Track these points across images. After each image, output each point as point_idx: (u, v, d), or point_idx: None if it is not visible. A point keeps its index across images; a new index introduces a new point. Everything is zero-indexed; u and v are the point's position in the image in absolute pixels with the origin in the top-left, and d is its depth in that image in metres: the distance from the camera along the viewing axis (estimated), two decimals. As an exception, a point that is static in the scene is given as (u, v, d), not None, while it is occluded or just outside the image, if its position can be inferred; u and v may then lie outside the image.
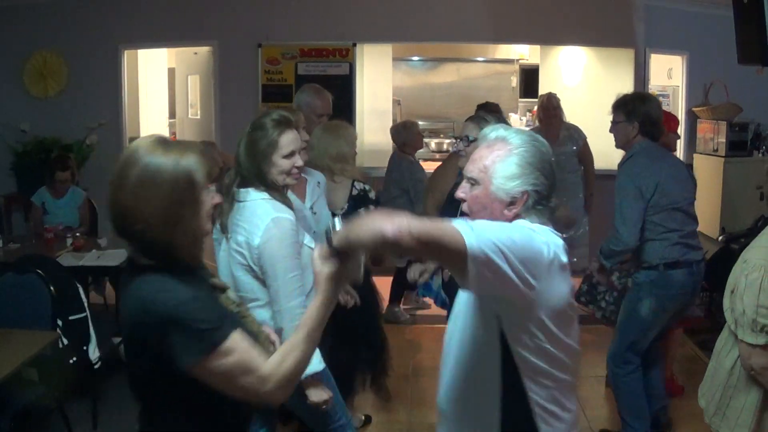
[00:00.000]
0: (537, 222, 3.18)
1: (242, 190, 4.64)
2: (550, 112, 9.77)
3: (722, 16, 10.30)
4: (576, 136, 9.74)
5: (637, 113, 6.41)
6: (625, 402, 6.76)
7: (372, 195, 6.58)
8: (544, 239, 3.02)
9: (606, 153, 10.47)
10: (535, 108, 13.30)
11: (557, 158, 8.89)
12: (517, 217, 3.20)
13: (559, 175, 8.27)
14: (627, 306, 6.67)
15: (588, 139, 10.30)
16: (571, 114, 11.32)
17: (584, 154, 9.75)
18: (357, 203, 6.40)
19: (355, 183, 6.50)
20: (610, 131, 6.67)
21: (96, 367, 7.06)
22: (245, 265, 4.54)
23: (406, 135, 9.89)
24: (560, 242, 3.08)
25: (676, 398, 7.73)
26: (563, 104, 11.23)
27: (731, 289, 4.24)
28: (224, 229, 4.68)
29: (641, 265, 6.46)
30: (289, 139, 4.65)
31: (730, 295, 4.28)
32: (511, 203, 3.20)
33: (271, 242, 4.42)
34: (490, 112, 7.43)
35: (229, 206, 4.66)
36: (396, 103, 13.64)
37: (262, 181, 4.60)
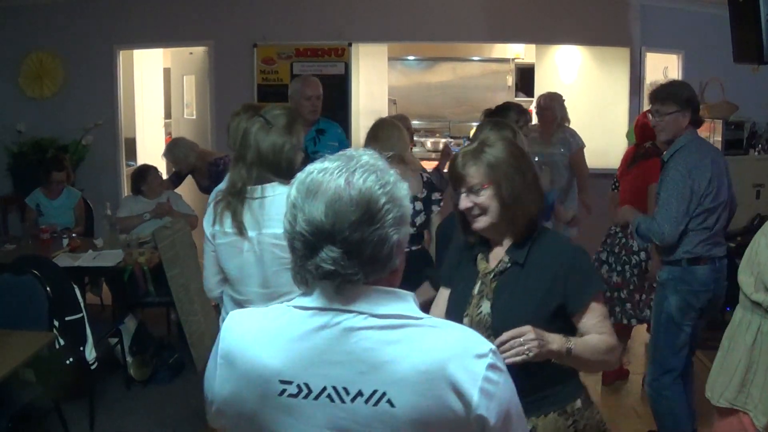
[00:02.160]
0: (305, 292, 2.33)
1: (265, 186, 4.60)
2: (539, 111, 9.76)
3: (718, 15, 10.31)
4: (571, 141, 9.67)
5: (690, 100, 6.14)
6: (668, 416, 6.54)
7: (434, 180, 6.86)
8: None
9: (603, 152, 10.50)
10: (531, 107, 13.33)
11: (551, 158, 8.92)
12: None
13: (554, 176, 8.27)
14: (655, 308, 6.51)
15: (585, 138, 10.29)
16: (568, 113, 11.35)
17: (576, 162, 9.64)
18: (431, 189, 6.68)
19: (422, 172, 6.79)
20: (653, 125, 6.36)
21: (93, 367, 7.06)
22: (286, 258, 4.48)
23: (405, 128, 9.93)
24: None
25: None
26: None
27: (753, 261, 4.26)
28: (242, 230, 4.60)
29: (665, 260, 6.32)
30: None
31: (748, 267, 4.31)
32: None
33: None
34: (520, 113, 7.40)
35: (241, 205, 4.63)
36: (391, 102, 13.66)
37: (291, 175, 4.61)
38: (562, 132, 9.57)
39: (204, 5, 11.75)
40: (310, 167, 2.29)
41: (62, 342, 6.63)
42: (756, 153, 12.31)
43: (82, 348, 6.97)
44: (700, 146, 6.16)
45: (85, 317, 7.08)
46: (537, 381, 3.51)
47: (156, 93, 14.57)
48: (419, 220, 6.51)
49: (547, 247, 3.63)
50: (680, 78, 13.02)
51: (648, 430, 7.16)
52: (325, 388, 2.18)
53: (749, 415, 4.31)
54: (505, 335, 3.19)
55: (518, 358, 3.16)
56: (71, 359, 6.78)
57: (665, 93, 6.20)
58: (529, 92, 13.83)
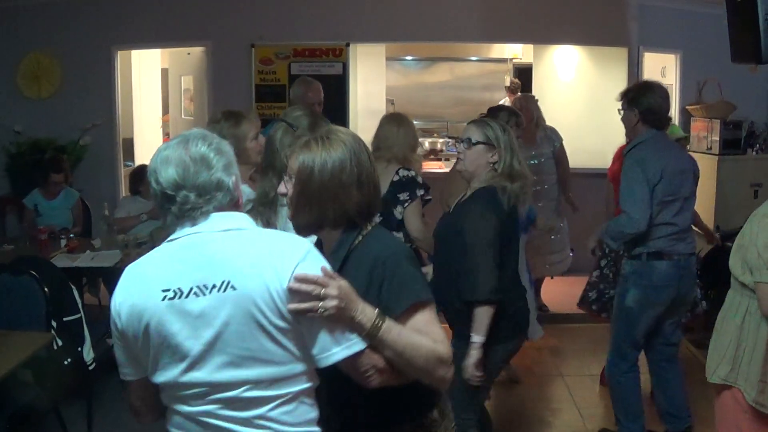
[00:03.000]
0: (174, 229, 3.18)
1: None
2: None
3: (715, 15, 10.28)
4: (553, 137, 9.70)
5: (638, 102, 6.48)
6: (620, 402, 6.81)
7: (420, 179, 6.66)
8: None
9: (599, 151, 10.52)
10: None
11: (541, 158, 8.95)
12: None
13: (539, 177, 8.34)
14: (616, 300, 6.77)
15: (582, 138, 10.29)
16: (565, 112, 11.37)
17: (561, 158, 9.69)
18: (398, 188, 6.55)
19: (400, 170, 6.62)
20: (621, 119, 6.75)
21: (91, 368, 7.05)
22: None
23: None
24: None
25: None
26: (557, 103, 11.25)
27: (745, 245, 4.52)
28: None
29: (628, 255, 6.56)
30: None
31: (738, 251, 4.60)
32: None
33: None
34: (512, 114, 7.51)
35: (275, 215, 4.71)
36: (389, 102, 13.64)
37: None
38: (543, 131, 9.60)
39: (201, 5, 11.74)
40: (160, 147, 3.13)
41: (60, 343, 6.62)
42: (754, 152, 12.33)
43: (80, 349, 6.96)
44: (656, 143, 6.44)
45: (83, 318, 7.07)
46: (389, 413, 3.43)
47: (154, 93, 14.56)
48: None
49: (368, 248, 3.39)
50: (678, 78, 13.07)
51: (602, 428, 7.32)
52: (191, 288, 2.92)
53: (740, 389, 4.60)
54: (306, 276, 2.90)
55: (303, 306, 2.89)
56: (69, 360, 6.77)
57: (621, 93, 6.78)
58: (528, 92, 13.83)
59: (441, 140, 13.75)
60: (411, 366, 3.13)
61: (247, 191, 5.40)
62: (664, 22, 12.66)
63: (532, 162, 9.03)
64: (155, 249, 3.11)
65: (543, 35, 12.10)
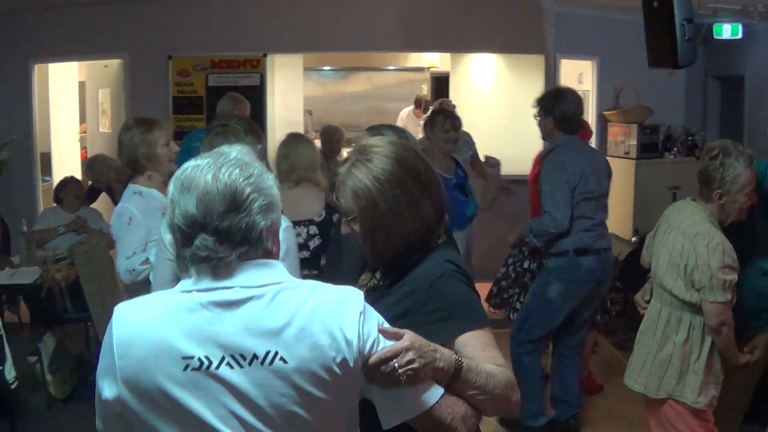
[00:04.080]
0: (188, 276, 2.53)
1: None
2: None
3: (632, 21, 10.40)
4: (471, 141, 9.79)
5: (553, 109, 6.75)
6: (521, 381, 6.80)
7: None
8: None
9: (518, 157, 10.54)
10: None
11: (465, 162, 8.99)
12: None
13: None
14: (535, 289, 7.00)
15: (500, 145, 10.32)
16: (483, 120, 11.38)
17: (476, 160, 9.78)
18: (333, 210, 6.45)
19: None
20: (539, 125, 6.99)
21: (13, 387, 6.94)
22: None
23: (328, 141, 9.98)
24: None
25: (595, 397, 7.93)
26: (474, 112, 11.29)
27: (684, 265, 4.67)
28: None
29: (552, 252, 6.77)
30: None
31: (673, 270, 4.75)
32: None
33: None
34: (449, 117, 7.56)
35: None
36: (307, 113, 13.60)
37: None
38: (462, 135, 9.65)
39: (118, 17, 11.59)
40: (185, 165, 2.54)
41: (-20, 362, 6.51)
42: (671, 156, 12.50)
43: (1, 368, 6.85)
44: (572, 146, 6.79)
45: (4, 336, 6.93)
46: None
47: (71, 107, 14.35)
48: (313, 244, 6.53)
49: (420, 272, 3.08)
50: (595, 84, 13.19)
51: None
52: (223, 358, 2.39)
53: (685, 402, 4.80)
54: (375, 357, 2.50)
55: (384, 382, 2.54)
56: (-10, 379, 6.66)
57: (536, 100, 7.02)
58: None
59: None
60: (493, 397, 2.80)
61: (159, 196, 5.40)
62: (580, 29, 12.77)
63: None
64: (161, 296, 2.55)
65: (460, 44, 12.11)
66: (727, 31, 13.35)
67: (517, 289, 8.06)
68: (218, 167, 2.48)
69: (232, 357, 2.39)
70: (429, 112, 9.49)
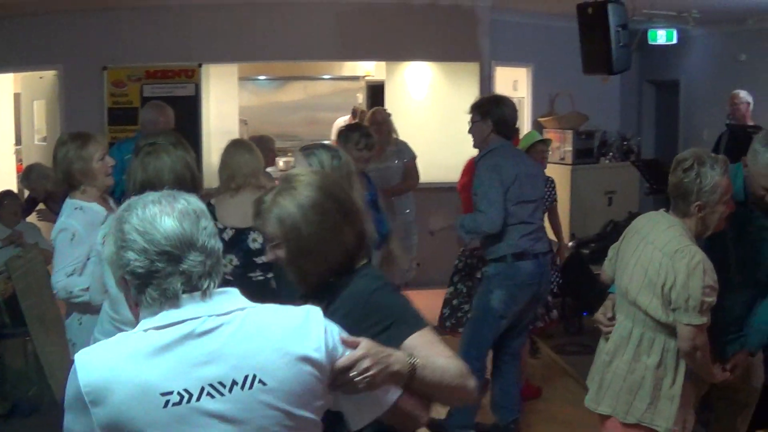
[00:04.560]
0: (150, 315, 2.49)
1: None
2: (373, 126, 9.69)
3: (566, 28, 10.43)
4: (404, 151, 9.74)
5: (492, 113, 6.76)
6: (468, 342, 6.96)
7: None
8: None
9: (454, 165, 10.55)
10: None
11: (381, 173, 9.02)
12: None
13: (383, 194, 8.37)
14: (477, 301, 6.98)
15: (435, 153, 10.33)
16: (418, 128, 11.37)
17: (410, 171, 9.72)
18: None
19: None
20: (469, 132, 6.98)
21: None
22: None
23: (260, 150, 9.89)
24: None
25: (534, 401, 7.94)
26: (409, 119, 11.27)
27: (661, 284, 4.42)
28: None
29: (490, 258, 6.78)
30: None
31: (649, 288, 4.50)
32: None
33: None
34: (365, 136, 7.49)
35: None
36: (243, 123, 13.54)
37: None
38: (395, 144, 9.63)
39: (53, 29, 11.46)
40: (131, 202, 2.54)
41: None
42: (607, 161, 12.59)
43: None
44: (506, 150, 6.81)
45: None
46: None
47: (6, 119, 14.18)
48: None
49: (350, 293, 3.19)
50: (530, 91, 13.26)
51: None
52: (203, 389, 2.37)
53: (657, 429, 4.54)
54: (346, 366, 2.62)
55: (350, 389, 2.66)
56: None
57: (473, 105, 7.03)
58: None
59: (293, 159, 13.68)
60: (450, 389, 2.98)
61: (100, 210, 5.35)
62: (515, 37, 12.84)
63: (379, 174, 9.06)
64: (125, 338, 2.48)
65: (395, 52, 12.14)
66: (661, 36, 13.52)
67: (468, 305, 8.04)
68: (170, 196, 2.54)
69: (212, 387, 2.39)
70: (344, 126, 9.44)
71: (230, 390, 2.41)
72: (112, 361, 2.38)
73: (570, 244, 10.22)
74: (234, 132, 12.18)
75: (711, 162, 4.42)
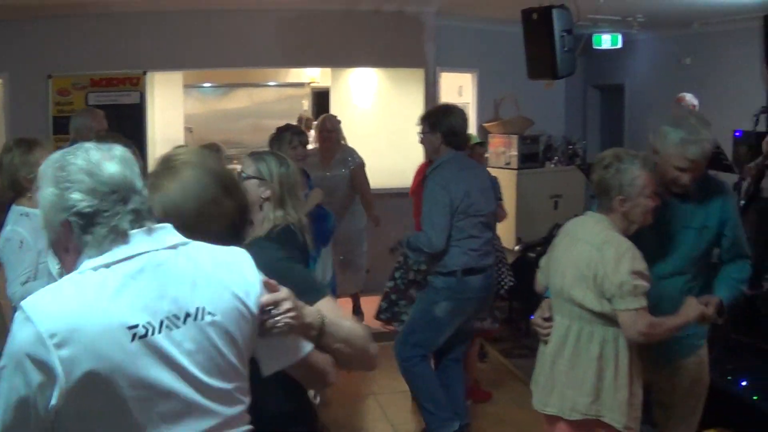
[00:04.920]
0: (97, 254, 2.49)
1: None
2: (323, 134, 9.72)
3: (511, 33, 10.50)
4: (350, 159, 9.73)
5: (441, 124, 6.69)
6: (423, 391, 6.96)
7: None
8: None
9: (400, 170, 10.58)
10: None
11: (329, 181, 9.04)
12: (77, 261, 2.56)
13: (329, 197, 8.42)
14: (421, 305, 6.96)
15: (382, 158, 10.33)
16: (364, 135, 11.39)
17: (355, 178, 9.71)
18: None
19: None
20: (420, 142, 6.95)
21: None
22: None
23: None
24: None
25: (484, 405, 8.00)
26: (355, 126, 11.28)
27: (593, 275, 4.48)
28: None
29: (439, 271, 6.72)
30: None
31: (582, 282, 4.55)
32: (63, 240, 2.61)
33: None
34: (296, 134, 7.51)
35: None
36: (188, 130, 13.45)
37: None
38: (342, 152, 9.64)
39: (-4, 36, 11.39)
40: (71, 149, 2.59)
41: None
42: (552, 165, 12.66)
43: None
44: (458, 164, 6.72)
45: None
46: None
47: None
48: None
49: (256, 257, 3.10)
50: (475, 96, 13.30)
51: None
52: (162, 321, 2.44)
53: (604, 420, 4.58)
54: (274, 299, 2.78)
55: (274, 324, 2.77)
56: None
57: (422, 116, 7.03)
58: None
59: (240, 167, 13.59)
60: (355, 349, 3.16)
61: None
62: (460, 42, 12.88)
63: (327, 183, 9.09)
64: (76, 280, 2.44)
65: (339, 59, 12.12)
66: (606, 41, 13.64)
67: (405, 301, 8.08)
68: (101, 145, 2.60)
69: (169, 319, 2.46)
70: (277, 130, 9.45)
71: (184, 321, 2.49)
72: (74, 303, 2.36)
73: (516, 248, 10.27)
74: (179, 140, 12.12)
75: (629, 158, 4.56)
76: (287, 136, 7.40)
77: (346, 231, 9.52)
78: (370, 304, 9.71)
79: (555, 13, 8.96)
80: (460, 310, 6.75)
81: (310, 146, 8.98)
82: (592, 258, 4.50)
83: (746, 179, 8.75)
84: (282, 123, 12.43)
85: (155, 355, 2.40)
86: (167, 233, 2.63)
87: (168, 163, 3.23)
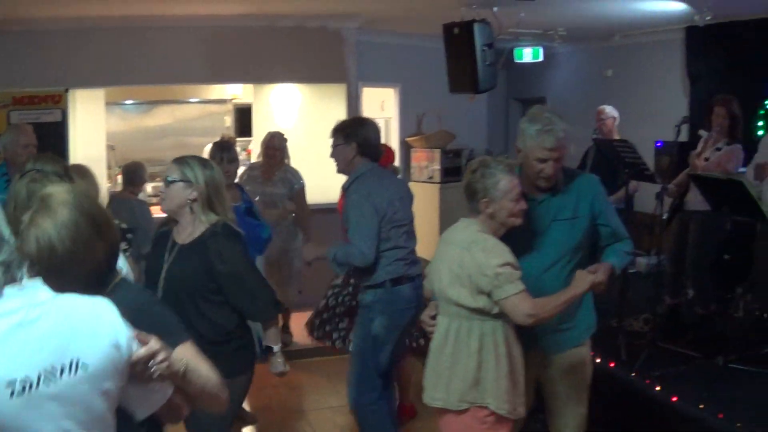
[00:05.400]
0: None
1: None
2: (269, 151, 9.72)
3: (433, 48, 10.57)
4: (292, 180, 9.74)
5: (355, 135, 6.62)
6: (359, 375, 6.87)
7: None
8: None
9: (327, 187, 10.58)
10: (250, 147, 13.38)
11: (267, 197, 9.03)
12: None
13: (268, 217, 8.40)
14: (359, 330, 6.83)
15: (306, 174, 10.33)
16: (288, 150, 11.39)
17: (298, 200, 9.74)
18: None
19: None
20: (331, 156, 6.83)
21: None
22: None
23: (134, 175, 9.77)
24: None
25: (413, 420, 8.04)
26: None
27: (467, 275, 4.68)
28: None
29: (368, 285, 6.64)
30: None
31: (457, 282, 4.75)
32: None
33: None
34: (223, 150, 7.53)
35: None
36: (110, 148, 13.33)
37: None
38: (284, 171, 9.63)
39: None
40: None
41: None
42: (475, 179, 12.66)
43: None
44: (377, 174, 6.67)
45: None
46: None
47: None
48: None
49: (120, 298, 3.20)
50: (398, 111, 13.35)
51: None
52: (40, 375, 2.47)
53: (488, 407, 4.77)
54: (137, 355, 2.85)
55: (148, 374, 2.89)
56: None
57: (335, 128, 6.84)
58: (248, 132, 13.83)
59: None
60: (210, 395, 3.31)
61: None
62: (382, 58, 12.94)
63: (264, 199, 9.10)
64: None
65: (261, 74, 12.17)
66: (527, 54, 13.77)
67: (336, 318, 8.06)
68: None
69: (46, 372, 2.48)
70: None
71: (60, 374, 2.51)
72: None
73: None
74: (101, 158, 12.04)
75: (495, 163, 4.77)
76: (215, 153, 7.46)
77: (279, 249, 9.52)
78: (300, 319, 9.74)
79: (476, 27, 9.04)
80: (394, 324, 6.63)
81: (254, 160, 8.96)
82: (463, 258, 4.70)
83: (671, 196, 8.88)
84: (205, 140, 12.43)
85: (33, 410, 2.46)
86: (38, 288, 2.65)
87: (45, 201, 3.15)
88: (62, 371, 2.52)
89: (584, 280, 4.83)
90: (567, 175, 5.30)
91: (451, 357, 4.84)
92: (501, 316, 4.72)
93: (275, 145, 9.67)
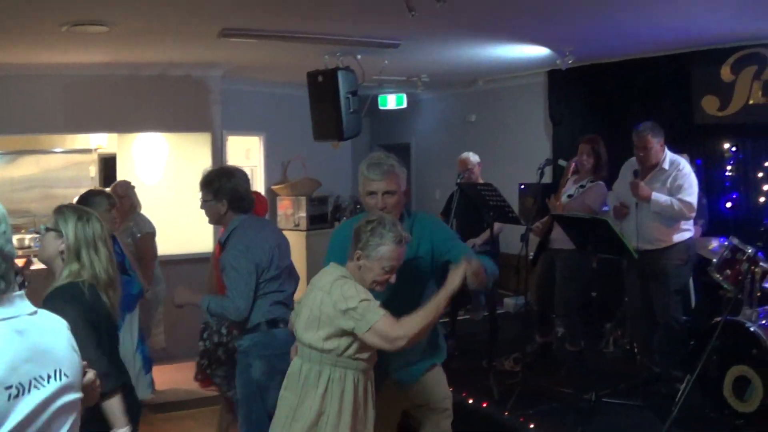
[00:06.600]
0: None
1: None
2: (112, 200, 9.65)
3: (297, 96, 10.68)
4: (134, 229, 9.59)
5: (224, 190, 6.43)
6: (246, 424, 6.68)
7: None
8: None
9: (192, 237, 10.57)
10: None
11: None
12: None
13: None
14: (240, 378, 6.63)
15: (172, 223, 10.24)
16: (152, 199, 11.29)
17: (143, 247, 9.57)
18: None
19: None
20: (201, 208, 6.64)
21: None
22: None
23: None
24: None
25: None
26: (143, 190, 11.21)
27: (327, 316, 4.72)
28: None
29: (244, 328, 6.48)
30: None
31: (313, 324, 4.79)
32: None
33: None
34: (105, 198, 7.41)
35: None
36: (-29, 200, 13.11)
37: None
38: (132, 220, 9.51)
39: None
40: None
41: None
42: (341, 225, 12.76)
43: None
44: (253, 225, 6.53)
45: None
46: None
47: None
48: None
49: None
50: (263, 159, 13.38)
51: None
52: (30, 382, 2.56)
53: None
54: (90, 377, 3.08)
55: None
56: None
57: (203, 182, 6.56)
58: (112, 182, 13.71)
59: (29, 236, 13.31)
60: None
61: None
62: (246, 106, 12.98)
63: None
64: None
65: (125, 124, 12.07)
66: (391, 101, 13.93)
67: (214, 364, 8.00)
68: None
69: (35, 380, 2.59)
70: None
71: (48, 381, 2.63)
72: None
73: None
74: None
75: (390, 227, 4.77)
76: (98, 200, 7.30)
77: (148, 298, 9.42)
78: (166, 371, 9.65)
79: (340, 74, 9.15)
80: (274, 369, 6.33)
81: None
82: (323, 300, 4.72)
83: (537, 235, 9.04)
84: (70, 191, 12.28)
85: (22, 414, 2.52)
86: (24, 298, 2.71)
87: None
88: (49, 378, 2.65)
89: (458, 272, 4.82)
90: (409, 217, 5.50)
91: (298, 398, 4.86)
92: (355, 361, 4.79)
93: (119, 193, 9.50)
